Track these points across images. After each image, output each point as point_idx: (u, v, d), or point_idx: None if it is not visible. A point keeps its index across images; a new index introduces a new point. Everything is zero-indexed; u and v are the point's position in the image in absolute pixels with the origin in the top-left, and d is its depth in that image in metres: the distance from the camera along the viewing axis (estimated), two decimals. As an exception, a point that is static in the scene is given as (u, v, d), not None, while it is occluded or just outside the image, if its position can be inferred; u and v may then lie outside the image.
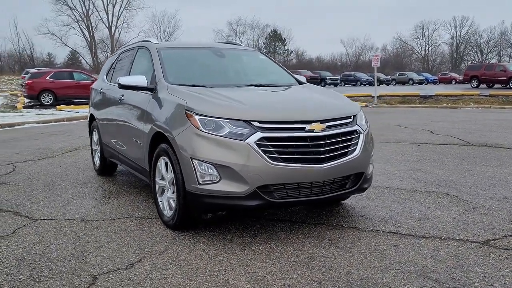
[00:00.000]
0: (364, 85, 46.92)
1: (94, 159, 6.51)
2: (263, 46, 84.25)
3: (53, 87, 20.83)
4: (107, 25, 68.01)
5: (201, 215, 3.78)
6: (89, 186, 5.66)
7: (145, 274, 3.08)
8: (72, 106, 20.41)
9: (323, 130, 3.64)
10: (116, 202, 4.91)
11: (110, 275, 3.06)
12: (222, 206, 3.58)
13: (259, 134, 3.47)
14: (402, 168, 6.42)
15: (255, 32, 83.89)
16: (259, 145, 3.46)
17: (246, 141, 3.44)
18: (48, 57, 78.52)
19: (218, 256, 3.39)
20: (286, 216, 4.32)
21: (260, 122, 3.53)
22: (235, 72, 5.00)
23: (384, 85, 48.85)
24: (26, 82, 21.30)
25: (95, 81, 22.30)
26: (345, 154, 3.78)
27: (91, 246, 3.59)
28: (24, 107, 20.29)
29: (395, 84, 50.61)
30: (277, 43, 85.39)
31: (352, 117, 3.97)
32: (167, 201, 4.00)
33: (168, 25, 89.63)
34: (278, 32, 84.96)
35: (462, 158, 7.12)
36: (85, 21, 66.27)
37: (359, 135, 3.92)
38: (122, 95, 5.09)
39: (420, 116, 14.28)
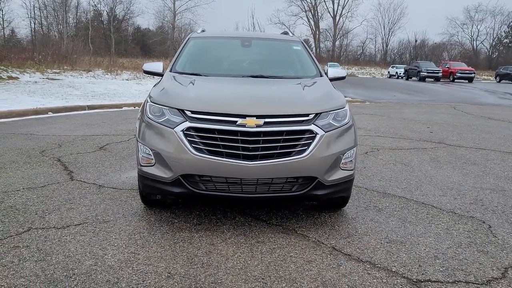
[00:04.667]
0: None
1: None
2: (503, 35, 74.40)
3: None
4: (331, 14, 69.88)
5: (149, 195, 4.03)
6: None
7: (60, 235, 3.53)
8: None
9: (258, 126, 3.46)
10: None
11: (39, 231, 3.61)
12: (154, 189, 3.76)
13: (187, 124, 3.52)
14: (485, 186, 5.34)
15: (497, 19, 74.55)
16: (186, 135, 3.51)
17: (174, 129, 3.54)
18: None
19: (134, 235, 3.59)
20: (260, 212, 4.19)
21: (192, 112, 3.57)
22: (248, 62, 4.98)
23: None
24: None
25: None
26: (287, 154, 3.50)
27: (67, 207, 4.20)
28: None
29: None
30: (522, 32, 74.20)
31: (309, 115, 3.61)
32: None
33: (394, 13, 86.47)
34: (526, 19, 73.60)
35: None
36: (312, 11, 69.38)
37: (315, 136, 3.56)
38: None
39: None
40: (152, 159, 3.67)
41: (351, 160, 3.83)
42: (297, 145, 3.53)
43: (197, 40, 5.21)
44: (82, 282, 2.82)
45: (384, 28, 74.57)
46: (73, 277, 2.87)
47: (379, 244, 3.54)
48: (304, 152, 3.52)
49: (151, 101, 3.82)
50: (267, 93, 4.09)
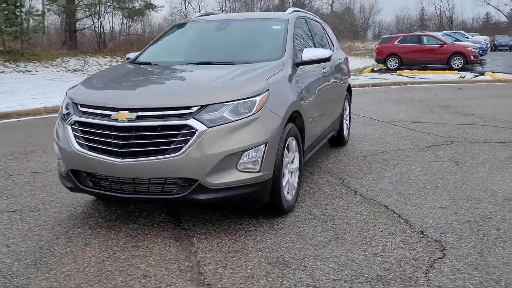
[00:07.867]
0: None
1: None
2: None
3: (399, 51, 20.95)
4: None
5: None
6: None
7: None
8: (414, 71, 20.04)
9: (129, 120, 3.16)
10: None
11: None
12: (62, 184, 3.74)
13: (74, 117, 3.43)
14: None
15: None
16: (73, 129, 3.42)
17: (65, 123, 3.48)
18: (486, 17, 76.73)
19: (48, 223, 3.66)
20: (190, 212, 3.86)
21: (81, 105, 3.45)
22: (209, 47, 4.56)
23: None
24: (376, 47, 22.35)
25: (443, 45, 20.97)
26: (162, 152, 3.12)
27: (34, 192, 4.47)
28: (373, 71, 21.43)
29: None
30: None
31: (192, 108, 3.14)
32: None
33: None
34: None
35: None
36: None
37: (194, 132, 3.09)
38: None
39: None
40: (59, 153, 3.65)
41: (256, 160, 3.22)
42: (172, 142, 3.12)
43: (178, 27, 5.02)
44: None
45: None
46: None
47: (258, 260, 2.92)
48: (180, 150, 3.10)
49: (65, 95, 3.80)
50: (184, 80, 3.82)
